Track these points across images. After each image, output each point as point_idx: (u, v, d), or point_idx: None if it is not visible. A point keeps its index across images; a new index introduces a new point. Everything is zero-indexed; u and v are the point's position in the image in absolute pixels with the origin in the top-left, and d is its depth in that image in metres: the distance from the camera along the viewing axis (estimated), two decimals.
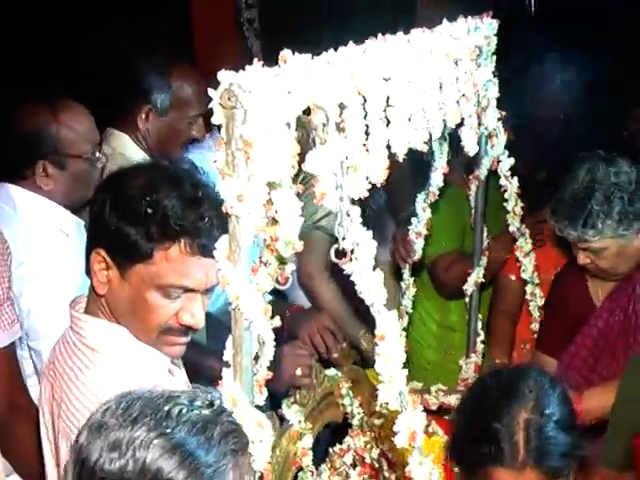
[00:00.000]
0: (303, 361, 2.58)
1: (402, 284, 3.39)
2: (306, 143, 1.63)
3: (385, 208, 3.93)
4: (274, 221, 1.61)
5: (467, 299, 3.34)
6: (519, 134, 3.20)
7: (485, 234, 3.27)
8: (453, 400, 3.24)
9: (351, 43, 1.81)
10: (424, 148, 2.05)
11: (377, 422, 2.74)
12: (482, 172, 3.08)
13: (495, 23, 2.74)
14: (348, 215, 1.66)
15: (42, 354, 2.54)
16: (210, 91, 1.51)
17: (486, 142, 2.97)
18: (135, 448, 1.43)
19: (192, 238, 1.86)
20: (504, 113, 2.88)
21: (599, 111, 4.29)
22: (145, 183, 1.88)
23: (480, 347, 3.36)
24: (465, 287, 3.31)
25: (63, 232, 2.74)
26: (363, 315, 2.97)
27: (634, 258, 2.99)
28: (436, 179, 3.05)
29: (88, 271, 1.95)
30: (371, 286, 1.70)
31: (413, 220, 3.18)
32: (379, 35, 1.93)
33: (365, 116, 1.74)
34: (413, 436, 1.80)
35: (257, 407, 1.73)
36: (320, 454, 2.64)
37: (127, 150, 3.10)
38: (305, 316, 3.05)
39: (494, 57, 2.72)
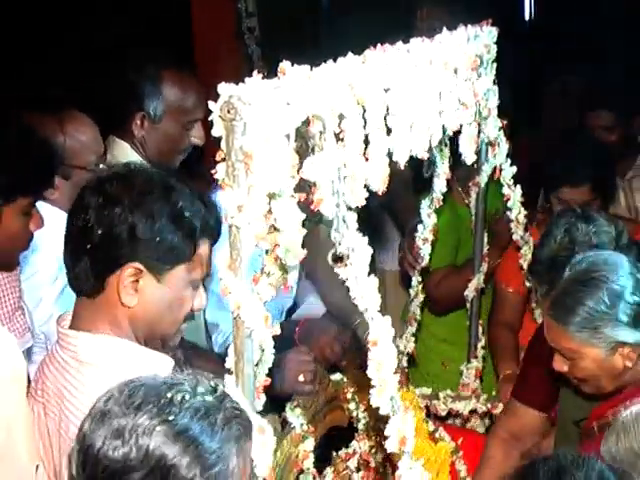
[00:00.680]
0: (307, 367, 2.58)
1: (411, 291, 3.40)
2: (305, 153, 1.66)
3: (387, 217, 3.97)
4: (275, 229, 1.64)
5: (468, 305, 3.37)
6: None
7: (485, 240, 3.31)
8: (461, 406, 3.27)
9: (350, 54, 1.83)
10: (425, 155, 2.07)
11: (382, 427, 2.76)
12: (482, 179, 3.11)
13: (495, 31, 2.75)
14: (344, 221, 1.68)
15: None
16: (210, 103, 1.54)
17: (487, 150, 3.00)
18: (138, 435, 1.44)
19: (212, 232, 1.95)
20: (505, 122, 2.90)
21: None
22: (161, 190, 1.91)
23: (481, 352, 3.39)
24: (466, 293, 3.34)
25: None
26: None
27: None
28: (439, 185, 3.07)
29: (94, 290, 1.92)
30: (365, 291, 1.72)
31: (419, 227, 3.20)
32: (378, 45, 1.96)
33: (365, 125, 1.77)
34: (403, 441, 1.82)
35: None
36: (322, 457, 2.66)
37: (128, 158, 3.06)
38: (314, 328, 3.04)
39: (494, 65, 2.74)
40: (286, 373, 2.51)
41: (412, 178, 3.13)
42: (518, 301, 3.48)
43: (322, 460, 2.63)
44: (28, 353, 2.59)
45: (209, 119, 1.56)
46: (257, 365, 1.80)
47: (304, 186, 1.65)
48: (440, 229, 3.37)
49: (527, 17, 7.52)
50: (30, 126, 2.60)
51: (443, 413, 3.26)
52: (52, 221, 2.73)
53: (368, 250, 1.72)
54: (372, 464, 2.74)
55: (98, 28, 4.80)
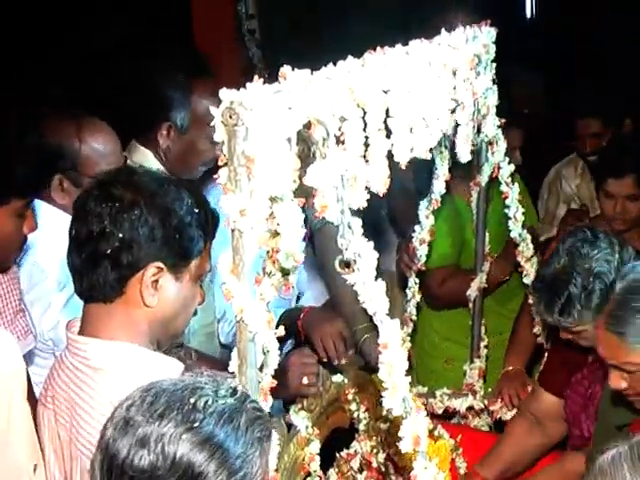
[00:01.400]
0: (310, 370, 2.58)
1: (407, 291, 3.40)
2: (307, 157, 1.67)
3: (386, 219, 3.97)
4: (276, 233, 1.65)
5: (470, 304, 3.38)
6: None
7: (487, 239, 3.31)
8: (458, 404, 3.28)
9: (350, 57, 1.84)
10: (428, 156, 2.08)
11: (383, 427, 2.77)
12: (483, 179, 3.13)
13: (494, 31, 2.76)
14: (349, 227, 1.69)
15: None
16: (212, 109, 1.55)
17: (487, 149, 3.01)
18: (164, 444, 1.43)
19: (215, 226, 2.00)
20: (504, 120, 2.91)
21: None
22: (170, 187, 1.94)
23: (484, 352, 3.40)
24: (468, 293, 3.35)
25: None
26: None
27: None
28: (438, 186, 3.07)
29: (113, 295, 1.92)
30: (373, 295, 1.73)
31: (416, 228, 3.20)
32: (377, 48, 1.97)
33: (365, 128, 1.77)
34: (417, 441, 1.83)
35: None
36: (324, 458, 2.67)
37: (149, 165, 3.03)
38: (319, 316, 3.03)
39: (493, 65, 2.74)
40: (289, 376, 2.51)
41: (412, 181, 3.13)
42: None
43: (325, 461, 2.63)
44: (29, 355, 2.59)
45: (211, 124, 1.57)
46: (261, 369, 1.81)
47: (306, 190, 1.66)
48: (446, 226, 3.41)
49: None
50: (26, 128, 2.60)
51: (440, 411, 3.27)
52: (61, 227, 2.72)
53: (374, 255, 1.72)
54: (374, 464, 2.75)
55: (99, 29, 4.80)
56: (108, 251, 1.88)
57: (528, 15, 7.39)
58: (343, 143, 1.71)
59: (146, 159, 2.96)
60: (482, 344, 3.40)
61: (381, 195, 1.83)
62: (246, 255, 1.60)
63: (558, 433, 3.00)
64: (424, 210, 3.15)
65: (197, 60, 3.17)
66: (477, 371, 3.35)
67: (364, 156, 1.77)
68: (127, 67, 3.65)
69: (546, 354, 3.21)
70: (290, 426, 2.52)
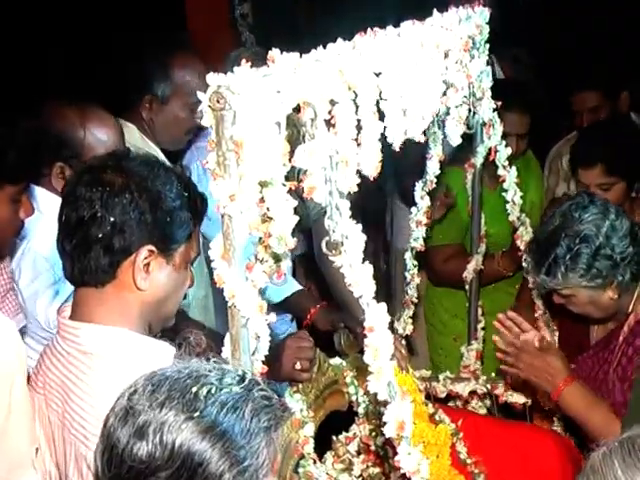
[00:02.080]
0: (305, 354, 2.56)
1: (406, 274, 3.38)
2: (296, 140, 1.66)
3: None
4: (268, 218, 1.64)
5: (467, 286, 3.38)
6: None
7: (483, 220, 3.31)
8: (461, 388, 3.27)
9: (340, 39, 1.82)
10: (422, 138, 2.07)
11: (383, 410, 2.77)
12: (478, 160, 3.11)
13: (487, 11, 2.74)
14: (337, 209, 1.68)
15: None
16: (199, 94, 1.54)
17: (481, 132, 2.99)
18: (163, 433, 1.40)
19: (204, 209, 2.02)
20: (499, 103, 2.90)
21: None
22: (159, 171, 1.95)
23: (481, 334, 3.40)
24: (465, 274, 3.35)
25: None
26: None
27: (608, 308, 2.81)
28: (432, 167, 3.06)
29: (105, 279, 1.93)
30: (360, 278, 1.72)
31: (412, 209, 3.20)
32: (368, 30, 1.95)
33: (356, 111, 1.76)
34: (402, 426, 1.82)
35: None
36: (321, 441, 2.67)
37: (136, 141, 3.12)
38: (330, 311, 3.14)
39: (487, 46, 2.72)
40: (283, 360, 2.50)
41: (421, 157, 3.13)
42: None
43: (322, 444, 2.63)
44: (36, 344, 2.59)
45: (199, 109, 1.56)
46: (253, 354, 1.80)
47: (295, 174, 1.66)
48: (457, 205, 3.44)
49: None
50: (16, 114, 2.60)
51: (442, 395, 3.27)
52: None
53: (362, 237, 1.72)
54: (372, 448, 2.75)
55: (91, 15, 4.78)
56: (100, 235, 1.88)
57: None
58: (334, 126, 1.70)
59: (132, 134, 3.07)
60: (479, 326, 3.40)
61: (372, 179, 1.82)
62: (236, 240, 1.60)
63: None
64: (419, 191, 3.14)
65: (175, 34, 3.35)
66: (474, 353, 3.35)
67: (356, 140, 1.76)
68: (111, 47, 3.76)
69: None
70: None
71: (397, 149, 1.95)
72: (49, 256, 2.62)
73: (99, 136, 2.72)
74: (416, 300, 3.41)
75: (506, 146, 3.06)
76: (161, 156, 3.19)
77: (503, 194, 3.16)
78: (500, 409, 3.29)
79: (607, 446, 1.63)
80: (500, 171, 3.09)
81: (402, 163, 3.54)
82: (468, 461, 2.92)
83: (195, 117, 3.13)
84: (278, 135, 1.57)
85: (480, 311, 3.42)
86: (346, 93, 1.72)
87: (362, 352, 2.95)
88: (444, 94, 2.28)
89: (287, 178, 1.64)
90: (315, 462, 2.51)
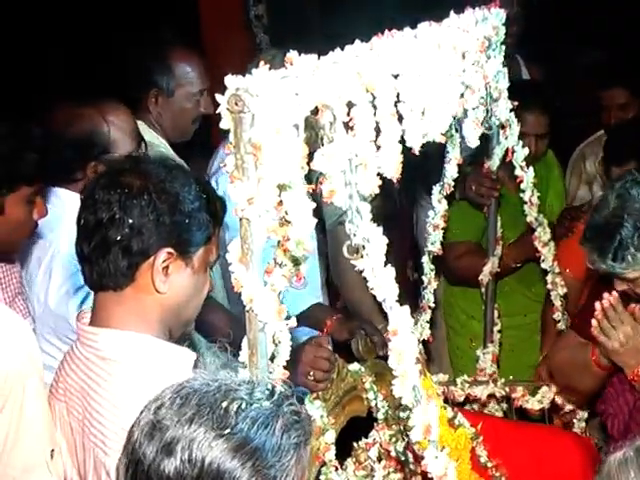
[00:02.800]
0: (319, 365, 2.54)
1: (424, 278, 3.36)
2: (315, 143, 1.64)
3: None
4: (286, 222, 1.63)
5: (482, 289, 3.36)
6: None
7: (499, 224, 3.29)
8: (479, 391, 3.25)
9: (357, 41, 1.81)
10: (442, 139, 2.05)
11: (402, 415, 2.74)
12: (494, 162, 3.09)
13: (503, 12, 2.72)
14: (358, 212, 1.67)
15: None
16: (217, 96, 1.53)
17: (498, 133, 2.97)
18: (192, 450, 1.36)
19: (223, 213, 2.02)
20: (516, 103, 2.87)
21: None
22: (178, 173, 1.95)
23: (497, 337, 3.38)
24: (481, 277, 3.32)
25: None
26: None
27: None
28: (450, 170, 3.04)
29: (123, 282, 1.92)
30: (383, 282, 1.71)
31: (430, 213, 3.18)
32: (386, 31, 1.94)
33: (375, 113, 1.75)
34: (428, 429, 1.81)
35: None
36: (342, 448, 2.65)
37: (145, 136, 3.14)
38: (345, 320, 3.14)
39: (503, 47, 2.70)
40: (299, 366, 2.48)
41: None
42: (576, 286, 3.39)
43: (342, 451, 2.61)
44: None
45: (217, 112, 1.55)
46: (272, 359, 1.79)
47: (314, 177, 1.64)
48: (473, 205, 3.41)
49: None
50: (16, 115, 2.61)
51: (460, 399, 3.26)
52: None
53: (383, 240, 1.70)
54: (393, 453, 2.73)
55: (91, 15, 4.83)
56: (118, 238, 1.88)
57: None
58: (352, 129, 1.69)
59: (142, 131, 3.06)
60: (495, 329, 3.38)
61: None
62: (254, 244, 1.59)
63: None
64: (437, 194, 3.12)
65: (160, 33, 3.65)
66: (490, 356, 3.33)
67: (375, 142, 1.75)
68: (111, 47, 3.88)
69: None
70: None
71: (417, 152, 1.93)
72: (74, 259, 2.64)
73: (121, 125, 2.78)
74: (433, 305, 3.39)
75: (523, 147, 3.03)
76: (171, 152, 3.31)
77: (521, 195, 3.14)
78: (517, 412, 3.28)
79: (624, 453, 1.61)
80: (517, 172, 3.07)
81: (426, 162, 3.53)
82: (489, 464, 2.90)
83: (200, 106, 3.38)
84: (296, 138, 1.55)
85: (496, 313, 3.40)
86: (364, 95, 1.71)
87: (380, 357, 2.99)
88: (461, 96, 2.26)
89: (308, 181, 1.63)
90: (337, 469, 2.50)
